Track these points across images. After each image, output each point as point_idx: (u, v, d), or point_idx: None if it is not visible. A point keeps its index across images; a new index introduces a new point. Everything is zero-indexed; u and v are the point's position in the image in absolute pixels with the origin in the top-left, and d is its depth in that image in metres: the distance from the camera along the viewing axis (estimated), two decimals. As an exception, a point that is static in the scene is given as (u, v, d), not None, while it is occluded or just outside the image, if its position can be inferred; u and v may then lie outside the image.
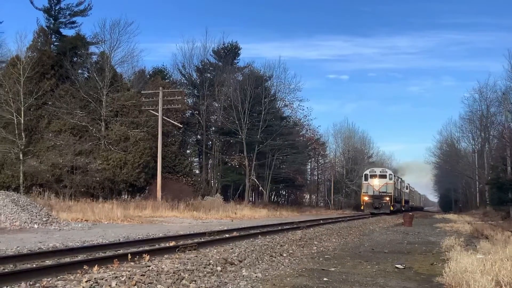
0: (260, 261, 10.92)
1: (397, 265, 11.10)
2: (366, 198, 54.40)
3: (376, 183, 54.51)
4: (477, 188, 70.90)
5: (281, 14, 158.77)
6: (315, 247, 14.58)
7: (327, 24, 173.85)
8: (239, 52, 66.60)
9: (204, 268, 9.32)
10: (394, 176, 58.87)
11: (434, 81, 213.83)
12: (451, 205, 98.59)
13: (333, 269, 10.37)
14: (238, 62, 66.59)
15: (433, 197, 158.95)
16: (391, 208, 52.37)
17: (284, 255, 12.26)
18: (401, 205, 63.46)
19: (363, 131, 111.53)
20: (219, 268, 9.46)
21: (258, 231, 18.83)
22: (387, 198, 53.11)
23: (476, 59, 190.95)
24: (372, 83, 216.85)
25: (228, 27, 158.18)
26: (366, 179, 56.24)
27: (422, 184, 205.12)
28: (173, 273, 8.55)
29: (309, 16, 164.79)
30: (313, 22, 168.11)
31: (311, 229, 20.78)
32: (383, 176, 55.44)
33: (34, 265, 9.31)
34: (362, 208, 55.05)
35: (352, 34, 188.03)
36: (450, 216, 52.52)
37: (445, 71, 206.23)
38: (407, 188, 74.96)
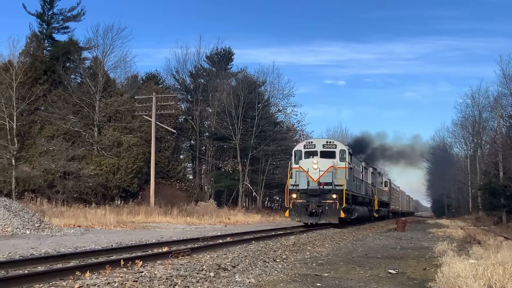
0: (253, 267, 10.90)
1: (390, 270, 11.11)
2: (294, 196, 28.29)
3: (313, 166, 28.26)
4: (470, 194, 71.12)
5: (278, 20, 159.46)
6: (308, 253, 14.58)
7: (325, 30, 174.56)
8: (232, 57, 66.71)
9: (197, 273, 9.30)
10: (352, 155, 32.15)
11: (430, 86, 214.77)
12: (444, 210, 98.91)
13: (326, 274, 10.37)
14: (231, 68, 66.68)
15: (426, 202, 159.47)
16: (342, 215, 27.45)
17: (278, 260, 12.25)
18: (373, 208, 41.90)
19: (356, 136, 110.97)
20: (212, 274, 9.44)
21: (252, 236, 18.79)
22: (335, 196, 27.49)
23: (471, 64, 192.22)
24: (369, 88, 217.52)
25: (224, 32, 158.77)
26: (297, 160, 29.94)
27: (414, 188, 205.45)
28: (166, 279, 8.52)
29: (306, 22, 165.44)
30: (310, 28, 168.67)
31: (304, 234, 20.76)
32: (328, 155, 29.57)
33: (26, 271, 9.25)
34: (287, 214, 28.87)
35: (349, 39, 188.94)
36: (443, 221, 52.67)
37: (441, 76, 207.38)
38: (386, 185, 55.14)
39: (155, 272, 8.93)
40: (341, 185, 27.74)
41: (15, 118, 40.79)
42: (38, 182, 39.63)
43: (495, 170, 46.77)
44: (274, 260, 12.16)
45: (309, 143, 30.90)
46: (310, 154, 29.54)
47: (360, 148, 50.42)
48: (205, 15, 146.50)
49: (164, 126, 45.71)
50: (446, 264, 10.44)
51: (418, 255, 14.80)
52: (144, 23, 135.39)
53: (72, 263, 10.41)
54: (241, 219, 40.56)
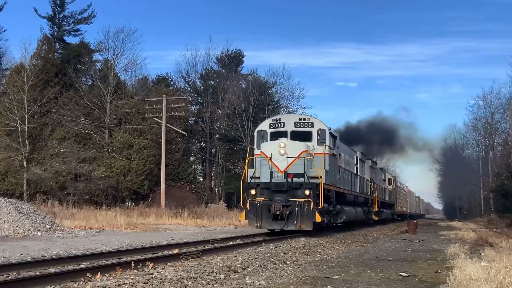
0: (263, 269, 10.88)
1: (401, 273, 11.04)
2: (253, 193, 20.63)
3: (280, 151, 20.50)
4: (482, 196, 70.59)
5: (289, 21, 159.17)
6: (319, 255, 14.53)
7: (336, 32, 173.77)
8: (243, 59, 66.74)
9: (208, 276, 9.29)
10: (337, 138, 24.28)
11: (442, 88, 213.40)
12: (455, 212, 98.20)
13: (336, 276, 10.32)
14: (242, 70, 66.73)
15: (437, 204, 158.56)
16: (318, 219, 19.84)
17: (288, 262, 12.21)
18: (371, 210, 34.79)
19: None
20: (222, 276, 9.43)
21: (262, 238, 18.79)
22: (308, 193, 19.92)
23: (483, 66, 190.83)
24: (381, 90, 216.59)
25: (234, 34, 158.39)
26: (259, 144, 22.55)
27: (426, 191, 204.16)
28: (176, 280, 8.52)
29: (317, 24, 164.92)
30: (321, 30, 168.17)
31: (314, 236, 20.73)
32: (301, 136, 21.88)
33: (38, 273, 9.29)
34: (242, 217, 21.64)
35: (360, 41, 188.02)
36: (455, 223, 52.29)
37: (454, 78, 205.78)
38: (390, 183, 47.80)
39: (166, 274, 8.94)
40: (318, 178, 20.01)
41: (26, 120, 41.05)
42: (49, 184, 39.86)
43: (507, 172, 46.46)
44: (284, 262, 12.12)
45: (276, 120, 22.59)
46: (277, 136, 21.75)
47: (357, 137, 44.88)
48: (215, 17, 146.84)
49: (174, 128, 45.81)
50: (457, 266, 10.36)
51: (429, 258, 14.71)
52: (155, 25, 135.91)
53: (83, 265, 10.45)
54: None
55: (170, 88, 55.69)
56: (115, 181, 42.27)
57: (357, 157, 31.41)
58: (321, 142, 21.62)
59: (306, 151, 20.64)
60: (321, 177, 20.26)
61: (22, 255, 12.11)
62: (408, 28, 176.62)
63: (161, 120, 42.48)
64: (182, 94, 55.19)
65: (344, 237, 22.11)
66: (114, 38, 48.60)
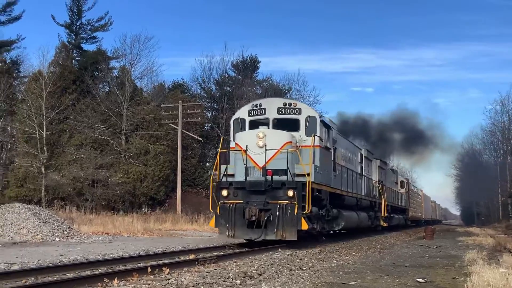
0: (279, 275, 10.87)
1: (418, 279, 10.96)
2: (225, 194, 17.07)
3: (258, 143, 16.87)
4: (500, 201, 69.84)
5: (305, 27, 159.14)
6: (335, 261, 14.48)
7: (352, 37, 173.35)
8: (258, 65, 66.77)
9: (224, 281, 9.32)
10: (331, 129, 20.35)
11: (459, 93, 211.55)
12: (473, 218, 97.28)
13: (353, 283, 10.28)
14: (257, 76, 66.79)
15: (455, 210, 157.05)
16: (304, 226, 16.24)
17: (304, 268, 12.19)
18: (379, 215, 31.32)
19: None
20: (238, 282, 9.45)
21: (278, 244, 18.75)
22: (291, 193, 16.34)
23: (501, 70, 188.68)
24: (397, 95, 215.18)
25: (250, 40, 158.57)
26: (235, 135, 18.53)
27: (443, 196, 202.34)
28: (193, 286, 8.57)
29: (333, 30, 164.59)
30: (337, 35, 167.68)
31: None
32: (286, 124, 18.20)
33: (55, 278, 9.38)
34: (211, 224, 18.13)
35: (377, 46, 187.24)
36: (473, 229, 51.74)
37: (471, 83, 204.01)
38: (403, 186, 44.39)
39: (182, 280, 8.99)
40: (306, 175, 16.59)
41: (44, 127, 41.49)
42: (67, 190, 40.21)
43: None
44: (301, 268, 12.11)
45: (255, 106, 18.98)
46: (257, 125, 18.38)
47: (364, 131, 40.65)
48: (231, 24, 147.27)
49: (190, 134, 45.97)
50: (475, 273, 10.27)
51: (447, 264, 14.58)
52: (171, 32, 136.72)
53: (100, 270, 10.53)
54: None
55: (186, 94, 55.94)
56: (132, 187, 42.51)
57: (361, 154, 28.00)
58: (310, 131, 17.95)
59: (291, 142, 17.11)
60: (308, 174, 16.63)
61: (40, 261, 12.24)
62: (424, 32, 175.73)
63: (177, 126, 42.67)
64: (197, 100, 55.37)
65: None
66: (131, 45, 49.07)
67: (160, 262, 11.97)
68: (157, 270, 10.04)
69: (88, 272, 10.35)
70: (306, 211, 16.40)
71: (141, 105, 46.62)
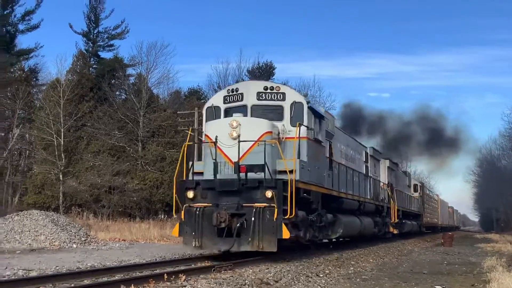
0: (296, 281, 10.82)
1: (436, 286, 10.84)
2: (191, 195, 14.56)
3: (231, 133, 14.40)
4: (519, 207, 68.92)
5: (321, 33, 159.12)
6: (352, 267, 14.37)
7: (368, 43, 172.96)
8: (273, 71, 66.76)
9: (240, 288, 9.29)
10: (323, 118, 17.61)
11: (477, 98, 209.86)
12: (492, 224, 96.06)
13: (370, 290, 10.20)
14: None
15: (473, 216, 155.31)
16: (285, 235, 13.42)
17: (321, 275, 12.12)
18: (387, 221, 28.37)
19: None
20: (254, 288, 9.41)
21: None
22: (270, 194, 13.62)
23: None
24: (414, 100, 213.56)
25: (265, 47, 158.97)
26: (206, 124, 16.41)
27: (461, 202, 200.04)
28: (209, 293, 8.55)
29: (349, 35, 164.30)
30: (353, 41, 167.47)
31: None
32: (267, 112, 15.68)
33: (73, 285, 9.43)
34: (175, 232, 15.04)
35: (393, 51, 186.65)
36: (492, 236, 51.10)
37: (489, 87, 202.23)
38: (416, 190, 42.26)
39: (198, 286, 8.99)
40: (289, 172, 13.98)
41: (62, 134, 41.83)
42: (84, 196, 40.47)
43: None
44: (317, 275, 12.03)
45: (232, 91, 16.40)
46: (234, 113, 15.52)
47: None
48: (246, 30, 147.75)
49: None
50: (495, 280, 10.13)
51: (465, 271, 14.41)
52: (187, 39, 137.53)
53: (117, 277, 10.57)
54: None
55: (202, 101, 55.99)
56: (148, 193, 42.65)
57: (367, 153, 25.68)
58: (295, 120, 15.40)
59: (271, 132, 14.57)
60: (292, 171, 14.10)
61: (57, 267, 12.31)
62: (440, 37, 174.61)
63: (194, 133, 42.73)
64: (214, 106, 55.37)
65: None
66: (147, 53, 49.29)
67: (177, 268, 11.98)
68: (173, 276, 10.05)
69: (105, 279, 10.40)
70: (288, 216, 13.59)
71: (158, 112, 46.81)
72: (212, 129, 15.07)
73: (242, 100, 15.96)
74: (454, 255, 21.31)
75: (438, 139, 43.81)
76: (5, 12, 50.22)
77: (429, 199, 52.17)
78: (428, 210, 48.99)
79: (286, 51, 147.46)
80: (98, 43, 52.91)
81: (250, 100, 15.79)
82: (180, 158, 15.41)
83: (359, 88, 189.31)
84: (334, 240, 21.25)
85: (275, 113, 15.64)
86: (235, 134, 14.22)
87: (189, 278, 10.17)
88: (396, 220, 30.10)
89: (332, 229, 18.59)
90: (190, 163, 15.89)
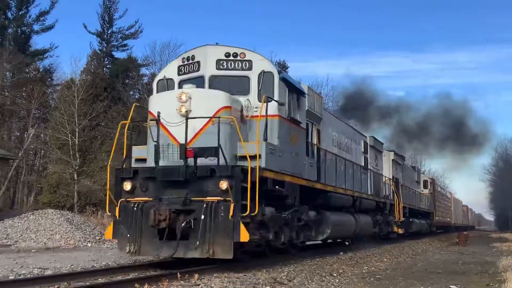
0: (309, 281, 10.79)
1: (451, 286, 10.77)
2: (128, 188, 11.56)
3: (179, 109, 11.47)
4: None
5: (335, 32, 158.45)
6: (366, 267, 14.32)
7: (382, 41, 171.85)
8: (287, 70, 66.75)
9: (253, 287, 9.29)
10: (301, 92, 14.48)
11: (495, 96, 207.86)
12: (508, 223, 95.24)
13: (384, 289, 10.15)
14: (286, 81, 66.68)
15: (489, 216, 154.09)
16: (244, 237, 10.62)
17: (334, 274, 12.08)
18: (390, 219, 26.03)
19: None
20: (268, 288, 9.41)
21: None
22: (225, 186, 10.72)
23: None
24: (429, 99, 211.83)
25: (278, 46, 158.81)
26: (149, 99, 13.53)
27: (477, 202, 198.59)
28: (222, 292, 8.57)
29: (363, 34, 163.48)
30: (367, 39, 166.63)
31: (362, 249, 20.43)
32: (229, 83, 12.65)
33: (87, 283, 9.49)
34: (108, 234, 12.18)
35: (408, 49, 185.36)
36: (507, 235, 50.63)
37: (506, 85, 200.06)
38: (426, 186, 39.85)
39: (212, 285, 9.00)
40: (249, 158, 11.15)
41: (77, 134, 42.09)
42: (98, 196, 40.69)
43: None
44: (331, 275, 12.00)
45: (187, 59, 13.44)
46: (185, 82, 13.04)
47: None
48: (259, 28, 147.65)
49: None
50: (510, 279, 10.05)
51: (481, 270, 14.30)
52: (199, 38, 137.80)
53: (131, 276, 10.62)
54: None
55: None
56: (162, 192, 42.82)
57: (366, 143, 23.13)
58: (261, 93, 12.54)
59: (229, 107, 11.77)
60: (257, 156, 11.17)
61: (72, 266, 12.40)
62: (457, 35, 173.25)
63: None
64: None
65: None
66: (161, 53, 49.51)
67: (190, 267, 12.01)
68: (186, 275, 10.07)
69: (119, 277, 10.45)
70: (249, 213, 10.79)
71: (171, 112, 47.00)
72: (157, 104, 12.12)
73: (198, 70, 13.09)
74: (469, 254, 21.16)
75: (462, 134, 40.04)
76: (20, 13, 50.64)
77: (441, 196, 49.61)
78: (439, 208, 46.34)
79: (299, 51, 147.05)
80: (112, 43, 53.27)
81: (208, 69, 12.93)
82: (115, 140, 13.65)
83: (373, 86, 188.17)
84: (320, 241, 18.31)
85: (239, 86, 12.81)
86: (184, 110, 11.38)
87: (203, 277, 10.19)
88: (402, 219, 27.66)
89: (317, 229, 16.00)
90: (139, 149, 13.00)
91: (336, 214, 17.50)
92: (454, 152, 45.74)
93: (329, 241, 20.28)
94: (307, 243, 17.24)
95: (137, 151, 12.88)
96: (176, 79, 13.45)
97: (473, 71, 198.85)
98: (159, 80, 13.88)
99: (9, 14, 50.50)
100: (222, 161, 11.02)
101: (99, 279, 10.14)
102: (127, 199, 11.53)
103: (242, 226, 10.65)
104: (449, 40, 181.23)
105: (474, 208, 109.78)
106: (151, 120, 11.96)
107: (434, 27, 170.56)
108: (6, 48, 45.46)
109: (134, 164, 12.74)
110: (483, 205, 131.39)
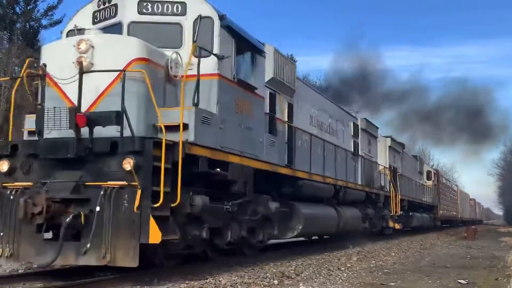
0: (317, 275, 10.82)
1: (459, 281, 10.76)
2: (5, 167, 8.52)
3: (78, 60, 8.26)
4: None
5: (341, 25, 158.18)
6: (374, 261, 14.33)
7: (391, 35, 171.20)
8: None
9: (261, 281, 9.32)
10: (257, 49, 11.27)
11: (503, 90, 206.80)
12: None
13: (392, 284, 10.16)
14: (293, 75, 66.53)
15: (498, 210, 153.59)
16: (154, 237, 7.55)
17: (342, 268, 12.10)
18: (385, 213, 23.30)
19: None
20: (276, 282, 9.44)
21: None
22: (128, 166, 7.56)
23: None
24: (438, 92, 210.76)
25: (286, 40, 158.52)
26: (43, 49, 9.59)
27: (485, 196, 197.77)
28: (231, 286, 8.62)
29: (371, 28, 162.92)
30: (375, 33, 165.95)
31: (370, 243, 20.44)
32: (157, 33, 9.57)
33: (99, 277, 9.56)
34: None
35: (417, 43, 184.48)
36: (516, 229, 50.49)
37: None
38: (429, 178, 37.19)
39: (220, 279, 9.04)
40: (182, 125, 8.30)
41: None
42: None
43: None
44: (339, 269, 12.02)
45: (103, 2, 10.19)
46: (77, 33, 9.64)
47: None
48: (267, 22, 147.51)
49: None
50: (519, 274, 10.04)
51: (489, 265, 14.27)
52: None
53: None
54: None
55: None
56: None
57: (357, 125, 20.45)
58: (203, 48, 9.33)
59: (146, 60, 8.87)
60: (181, 126, 8.32)
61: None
62: (466, 28, 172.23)
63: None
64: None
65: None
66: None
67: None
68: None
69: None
70: (169, 203, 8.19)
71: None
72: (50, 55, 9.13)
73: (116, 15, 10.02)
74: (478, 249, 21.12)
75: (478, 123, 37.07)
76: (28, 8, 50.91)
77: (446, 189, 46.28)
78: (444, 201, 43.08)
79: (307, 44, 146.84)
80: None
81: (127, 14, 9.91)
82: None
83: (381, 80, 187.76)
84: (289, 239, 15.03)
85: (168, 36, 9.84)
86: (85, 63, 8.40)
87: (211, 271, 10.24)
88: (399, 213, 24.90)
89: (285, 225, 13.34)
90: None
91: (311, 206, 14.68)
92: (466, 141, 43.74)
93: (302, 238, 17.52)
94: (313, 238, 17.00)
95: (31, 121, 9.14)
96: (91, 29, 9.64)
97: (482, 64, 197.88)
98: (69, 31, 10.33)
99: (17, 9, 50.72)
100: (127, 132, 8.05)
101: (108, 274, 9.37)
102: (3, 184, 8.62)
103: (152, 222, 7.69)
104: (457, 34, 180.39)
105: (482, 202, 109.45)
106: (48, 84, 8.86)
107: (441, 20, 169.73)
108: (14, 42, 45.65)
109: (26, 138, 9.62)
110: (492, 199, 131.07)
